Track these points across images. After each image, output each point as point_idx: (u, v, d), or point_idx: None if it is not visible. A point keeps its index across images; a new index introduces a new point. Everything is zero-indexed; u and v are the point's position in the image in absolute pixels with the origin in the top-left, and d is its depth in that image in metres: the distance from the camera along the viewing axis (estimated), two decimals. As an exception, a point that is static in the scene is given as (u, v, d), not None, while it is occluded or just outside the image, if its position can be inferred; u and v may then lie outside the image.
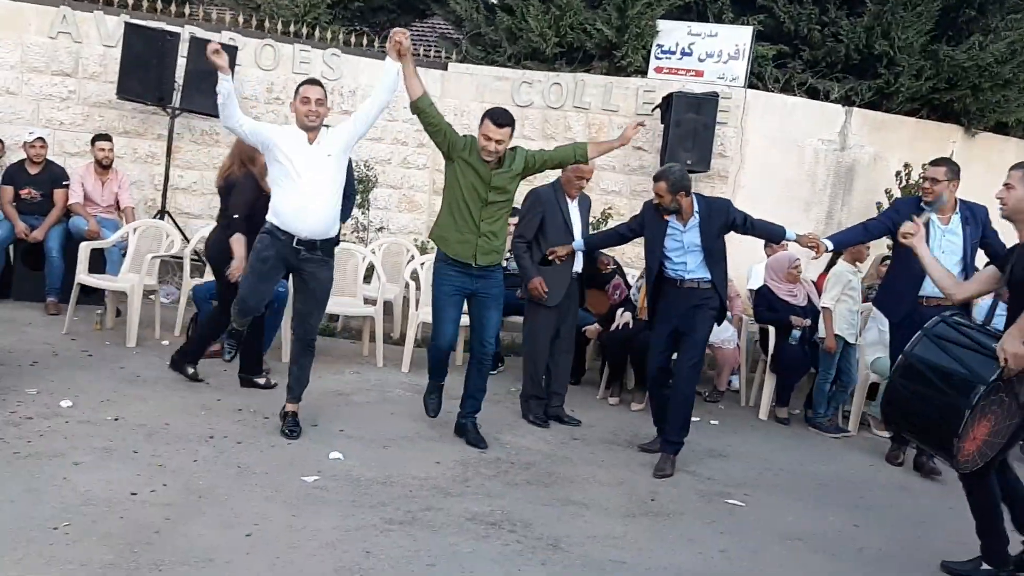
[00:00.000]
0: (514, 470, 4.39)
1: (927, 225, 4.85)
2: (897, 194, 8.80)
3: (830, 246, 5.00)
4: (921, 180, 5.32)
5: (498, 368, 6.70)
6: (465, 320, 5.03)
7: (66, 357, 5.53)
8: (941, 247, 4.96)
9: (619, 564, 3.35)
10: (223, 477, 3.82)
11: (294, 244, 4.41)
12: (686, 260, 4.81)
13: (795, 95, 9.41)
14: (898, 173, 9.03)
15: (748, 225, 4.91)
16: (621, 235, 5.20)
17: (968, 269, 4.99)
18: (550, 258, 5.15)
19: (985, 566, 3.67)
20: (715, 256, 4.82)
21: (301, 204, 4.36)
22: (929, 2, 9.11)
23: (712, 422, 5.77)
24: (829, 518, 4.25)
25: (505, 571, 3.19)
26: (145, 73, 8.00)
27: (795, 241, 4.95)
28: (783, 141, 9.25)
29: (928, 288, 4.75)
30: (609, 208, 8.70)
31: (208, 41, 8.22)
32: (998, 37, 9.12)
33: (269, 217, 4.48)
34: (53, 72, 8.45)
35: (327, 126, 4.55)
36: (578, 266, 5.44)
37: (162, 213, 8.24)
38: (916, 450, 5.20)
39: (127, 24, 8.10)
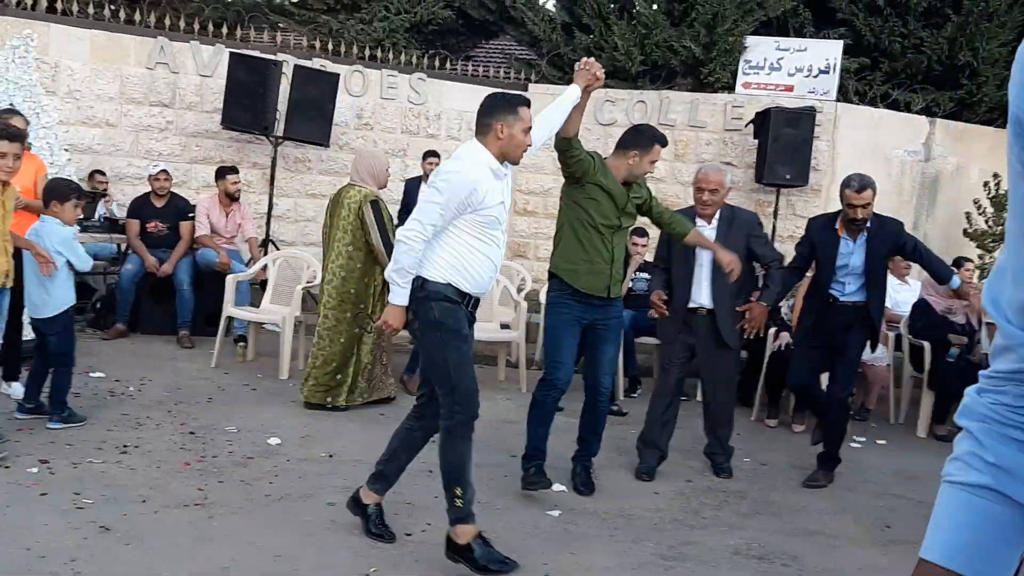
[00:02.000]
0: (733, 500, 4.37)
1: None
2: (986, 204, 8.88)
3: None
4: None
5: (637, 391, 6.69)
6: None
7: (233, 392, 5.52)
8: None
9: (909, 594, 3.34)
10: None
11: (469, 308, 3.40)
12: (846, 281, 4.69)
13: (877, 107, 9.47)
14: (986, 183, 9.07)
15: (916, 253, 4.79)
16: (799, 270, 4.99)
17: None
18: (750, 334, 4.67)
19: None
20: (876, 280, 4.72)
21: (498, 257, 3.42)
22: (1012, 12, 9.19)
23: (879, 442, 5.75)
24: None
25: (809, 605, 3.19)
26: (250, 102, 8.00)
27: (955, 291, 4.93)
28: (871, 153, 9.27)
29: None
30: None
31: (310, 68, 8.35)
32: (1083, 46, 9.19)
33: (450, 277, 3.27)
34: (151, 103, 8.45)
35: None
36: (703, 300, 4.66)
37: (267, 242, 8.22)
38: None
39: (232, 54, 8.10)
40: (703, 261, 4.64)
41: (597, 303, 4.20)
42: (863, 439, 5.73)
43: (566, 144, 4.00)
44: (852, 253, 4.69)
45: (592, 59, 3.93)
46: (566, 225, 4.24)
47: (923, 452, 5.63)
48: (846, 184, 4.66)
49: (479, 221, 3.26)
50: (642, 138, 4.26)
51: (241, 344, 6.42)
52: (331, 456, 4.39)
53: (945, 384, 5.90)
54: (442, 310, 3.24)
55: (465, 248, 3.27)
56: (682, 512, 4.11)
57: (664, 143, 4.30)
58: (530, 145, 3.45)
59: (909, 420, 6.28)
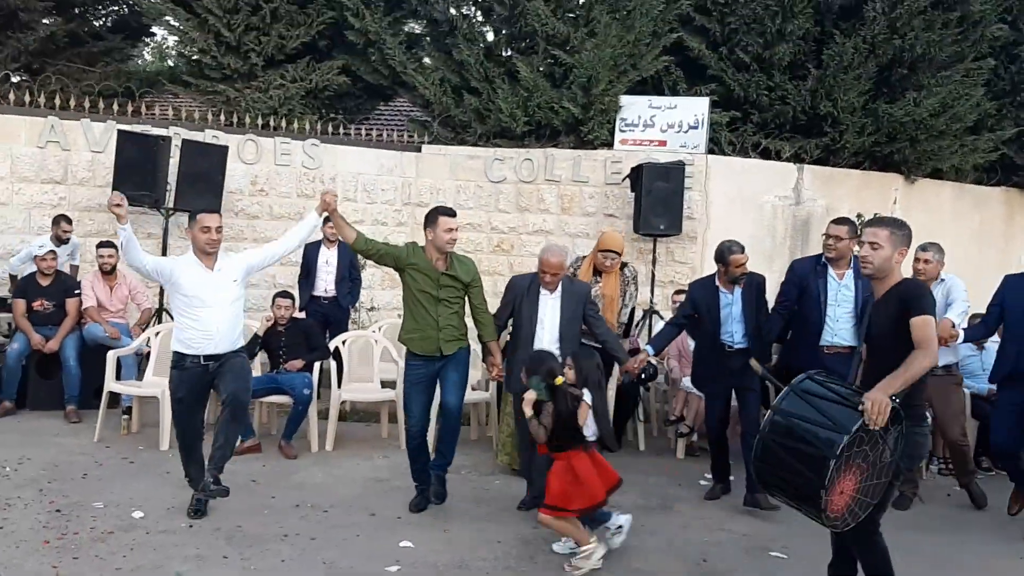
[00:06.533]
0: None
1: (825, 278, 5.59)
2: (851, 242, 9.51)
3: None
4: (825, 238, 5.70)
5: None
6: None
7: (111, 466, 5.72)
8: (836, 300, 5.58)
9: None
10: (317, 574, 4.08)
11: (202, 362, 4.84)
12: (733, 329, 5.49)
13: (749, 156, 10.10)
14: (851, 223, 9.70)
15: (766, 310, 5.65)
16: (680, 326, 5.75)
17: (861, 318, 5.39)
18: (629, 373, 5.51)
19: None
20: (754, 326, 5.51)
21: (209, 329, 4.80)
22: (865, 64, 9.91)
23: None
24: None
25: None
26: (140, 178, 8.23)
27: None
28: (743, 200, 9.88)
29: (827, 337, 5.55)
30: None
31: (198, 142, 8.65)
32: (931, 93, 9.94)
33: (174, 347, 4.88)
34: (43, 180, 8.65)
35: (229, 252, 5.14)
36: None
37: (160, 311, 8.42)
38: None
39: (119, 132, 8.33)
40: (544, 323, 5.44)
41: (437, 360, 5.15)
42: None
43: (356, 250, 5.21)
44: (733, 303, 5.50)
45: (328, 190, 5.09)
46: (404, 303, 5.24)
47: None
48: (729, 250, 5.45)
49: (182, 303, 4.86)
50: (428, 216, 5.11)
51: (125, 416, 6.61)
52: (191, 527, 4.64)
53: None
54: (172, 381, 4.99)
55: (183, 321, 4.87)
56: (517, 560, 4.44)
57: (449, 213, 5.05)
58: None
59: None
